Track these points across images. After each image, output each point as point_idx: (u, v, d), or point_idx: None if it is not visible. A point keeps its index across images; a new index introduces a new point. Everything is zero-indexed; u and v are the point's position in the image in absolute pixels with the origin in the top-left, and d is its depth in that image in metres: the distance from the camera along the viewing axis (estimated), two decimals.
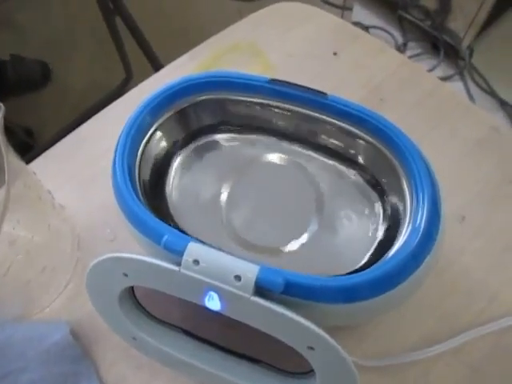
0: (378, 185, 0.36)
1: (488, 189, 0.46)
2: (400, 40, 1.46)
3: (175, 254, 0.28)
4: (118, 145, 0.33)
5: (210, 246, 0.30)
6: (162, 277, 0.29)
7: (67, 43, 1.43)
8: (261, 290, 0.27)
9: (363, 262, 0.34)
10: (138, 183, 0.33)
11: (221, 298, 0.28)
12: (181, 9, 1.51)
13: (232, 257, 0.28)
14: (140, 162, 0.34)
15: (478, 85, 1.36)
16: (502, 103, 1.31)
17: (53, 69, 1.36)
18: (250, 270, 0.27)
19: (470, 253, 0.43)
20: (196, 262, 0.28)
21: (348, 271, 0.34)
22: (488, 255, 0.43)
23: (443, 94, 0.53)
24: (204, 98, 0.37)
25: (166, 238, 0.29)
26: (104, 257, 0.30)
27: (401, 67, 0.55)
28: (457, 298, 0.40)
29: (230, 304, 0.28)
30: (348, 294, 0.29)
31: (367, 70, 0.55)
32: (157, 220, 0.31)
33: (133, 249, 0.31)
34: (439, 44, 1.40)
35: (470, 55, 1.41)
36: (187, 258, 0.28)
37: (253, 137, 0.39)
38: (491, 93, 1.33)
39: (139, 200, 0.32)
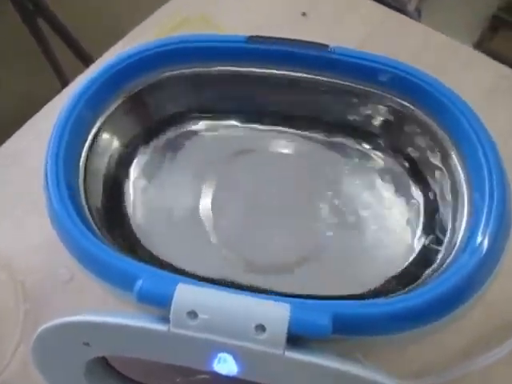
0: (416, 172, 0.27)
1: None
2: None
3: (159, 305, 0.19)
4: (47, 157, 0.23)
5: (205, 281, 0.20)
6: (142, 342, 0.19)
7: None
8: (296, 337, 0.18)
9: (399, 273, 0.26)
10: (84, 206, 0.23)
11: (237, 359, 0.19)
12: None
13: (244, 296, 0.19)
14: (85, 177, 0.24)
15: None
16: None
17: None
18: (277, 315, 0.18)
19: None
20: (193, 314, 0.18)
21: (386, 287, 0.25)
22: None
23: (437, 44, 0.45)
24: (162, 76, 0.27)
25: (140, 283, 0.19)
26: (50, 324, 0.20)
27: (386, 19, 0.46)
28: None
29: (252, 365, 0.19)
30: (418, 317, 0.20)
31: (344, 27, 0.46)
32: (121, 256, 0.21)
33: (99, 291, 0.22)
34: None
35: (419, 16, 1.37)
36: (178, 309, 0.18)
37: (234, 123, 0.29)
38: None
39: (89, 229, 0.22)
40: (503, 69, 0.44)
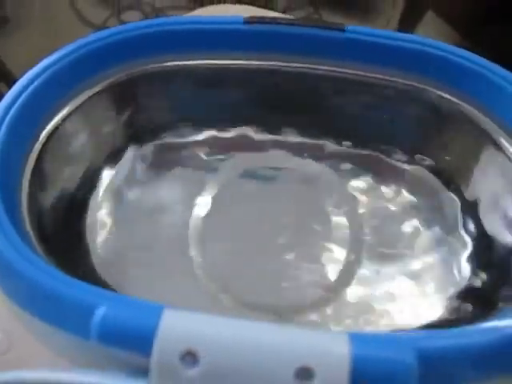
0: (453, 179, 0.22)
1: None
2: None
3: (132, 346, 0.11)
4: None
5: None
6: None
7: None
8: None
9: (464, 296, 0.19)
10: (26, 220, 0.16)
11: None
12: None
13: (271, 326, 0.12)
14: (31, 183, 0.17)
15: None
16: None
17: None
18: (331, 352, 0.11)
19: None
20: (189, 356, 0.11)
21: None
22: None
23: None
24: (135, 71, 0.21)
25: (102, 311, 0.12)
26: None
27: None
28: None
29: None
30: None
31: None
32: (71, 281, 0.14)
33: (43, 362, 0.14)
34: None
35: None
36: (167, 350, 0.11)
37: (232, 132, 0.23)
38: None
39: (31, 250, 0.15)
40: None
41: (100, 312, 0.12)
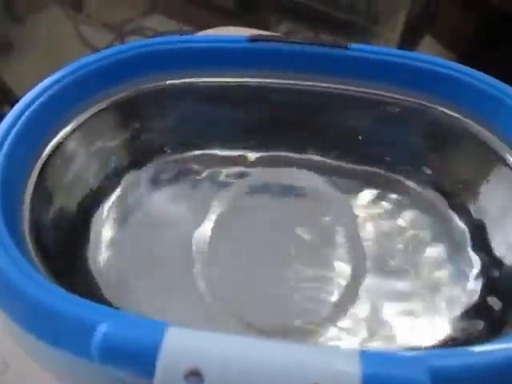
0: (460, 196, 0.21)
1: None
2: None
3: (135, 364, 0.11)
4: None
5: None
6: None
7: None
8: None
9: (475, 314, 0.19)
10: (27, 238, 0.16)
11: None
12: None
13: (277, 344, 0.11)
14: (34, 197, 0.17)
15: None
16: None
17: None
18: (340, 370, 0.11)
19: None
20: (194, 374, 0.11)
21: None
22: None
23: None
24: (137, 89, 0.21)
25: (104, 329, 0.11)
26: None
27: None
28: None
29: None
30: None
31: None
32: (72, 297, 0.13)
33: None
34: None
35: None
36: (171, 367, 0.10)
37: (235, 150, 0.23)
38: None
39: (32, 266, 0.14)
40: None
41: (101, 329, 0.11)
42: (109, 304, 0.18)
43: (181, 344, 0.11)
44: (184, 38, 0.21)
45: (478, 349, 0.14)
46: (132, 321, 0.12)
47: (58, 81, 0.20)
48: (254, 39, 0.21)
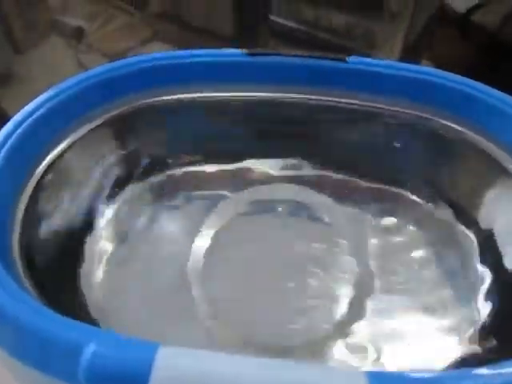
0: (466, 210, 0.21)
1: None
2: None
3: None
4: None
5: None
6: None
7: None
8: None
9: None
10: (16, 258, 0.15)
11: None
12: None
13: (277, 364, 0.11)
14: (25, 217, 0.16)
15: None
16: None
17: None
18: None
19: None
20: None
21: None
22: None
23: None
24: (135, 105, 0.21)
25: (92, 349, 0.10)
26: None
27: None
28: None
29: None
30: None
31: None
32: (59, 318, 0.12)
33: None
34: None
35: None
36: None
37: (236, 164, 0.22)
38: None
39: (18, 286, 0.14)
40: None
41: (89, 349, 0.11)
42: (101, 324, 0.17)
43: (172, 366, 0.10)
44: (179, 53, 0.21)
45: (489, 371, 0.13)
46: (121, 341, 0.11)
47: (52, 97, 0.19)
48: (252, 53, 0.21)
